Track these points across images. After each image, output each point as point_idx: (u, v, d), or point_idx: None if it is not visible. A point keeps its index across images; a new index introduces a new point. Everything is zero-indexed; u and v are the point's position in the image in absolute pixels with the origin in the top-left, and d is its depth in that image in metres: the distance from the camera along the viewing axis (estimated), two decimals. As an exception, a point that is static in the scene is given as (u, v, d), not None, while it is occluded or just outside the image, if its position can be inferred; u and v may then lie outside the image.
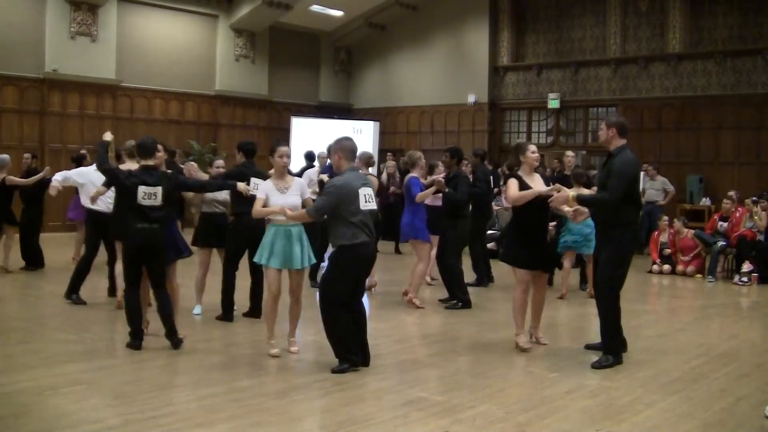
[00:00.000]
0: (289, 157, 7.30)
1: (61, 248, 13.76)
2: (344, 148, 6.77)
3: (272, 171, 7.54)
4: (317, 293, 7.48)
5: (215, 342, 7.76)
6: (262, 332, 8.06)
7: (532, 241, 7.49)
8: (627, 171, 6.99)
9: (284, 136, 20.89)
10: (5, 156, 11.89)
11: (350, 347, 6.60)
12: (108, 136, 7.75)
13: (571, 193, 7.16)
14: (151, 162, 7.30)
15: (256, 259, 7.19)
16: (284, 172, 7.32)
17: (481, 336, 8.30)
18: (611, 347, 7.07)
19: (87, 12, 18.48)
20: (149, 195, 7.14)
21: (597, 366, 6.92)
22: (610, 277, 7.05)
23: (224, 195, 8.89)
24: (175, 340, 7.22)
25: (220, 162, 9.72)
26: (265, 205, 7.08)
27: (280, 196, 7.08)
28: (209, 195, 8.77)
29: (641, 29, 19.75)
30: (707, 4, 18.78)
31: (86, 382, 6.15)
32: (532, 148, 7.73)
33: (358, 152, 9.71)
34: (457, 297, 9.92)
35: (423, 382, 6.33)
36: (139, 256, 7.21)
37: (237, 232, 8.67)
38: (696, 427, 5.34)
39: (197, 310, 8.98)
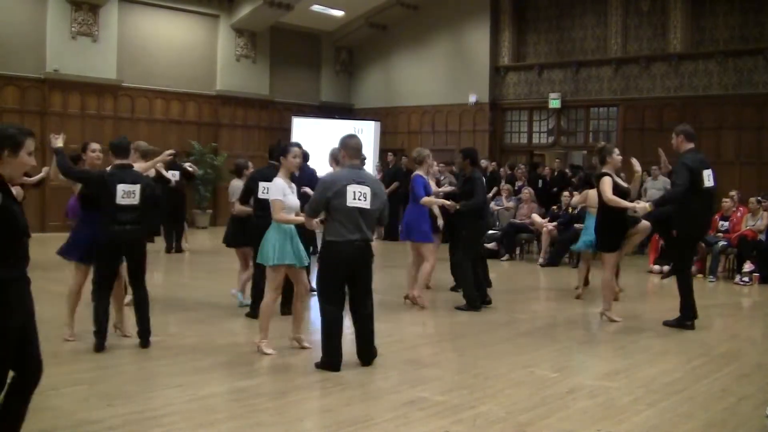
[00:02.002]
0: (302, 156, 7.39)
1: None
2: (347, 145, 6.83)
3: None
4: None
5: (216, 342, 7.75)
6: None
7: (621, 229, 8.79)
8: (689, 165, 8.44)
9: (285, 136, 20.88)
10: None
11: (331, 348, 6.59)
12: (60, 142, 7.28)
13: (647, 205, 8.44)
14: (126, 161, 7.32)
15: (263, 261, 7.09)
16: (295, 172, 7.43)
17: (482, 336, 8.29)
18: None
19: (88, 12, 18.49)
20: (128, 193, 7.09)
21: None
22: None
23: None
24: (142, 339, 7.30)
25: (249, 163, 9.97)
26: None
27: (293, 197, 7.15)
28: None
29: (642, 29, 19.76)
30: (708, 4, 18.78)
31: (87, 382, 6.15)
32: (617, 150, 8.97)
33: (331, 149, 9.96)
34: (466, 298, 9.72)
35: (423, 382, 6.32)
36: (115, 257, 7.22)
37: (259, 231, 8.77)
38: (697, 427, 5.33)
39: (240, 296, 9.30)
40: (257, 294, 8.68)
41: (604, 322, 8.95)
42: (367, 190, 6.66)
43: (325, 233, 6.70)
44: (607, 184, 8.56)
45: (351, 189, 6.59)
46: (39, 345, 4.13)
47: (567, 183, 16.62)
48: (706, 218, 9.22)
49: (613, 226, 8.78)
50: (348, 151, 6.82)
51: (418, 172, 9.83)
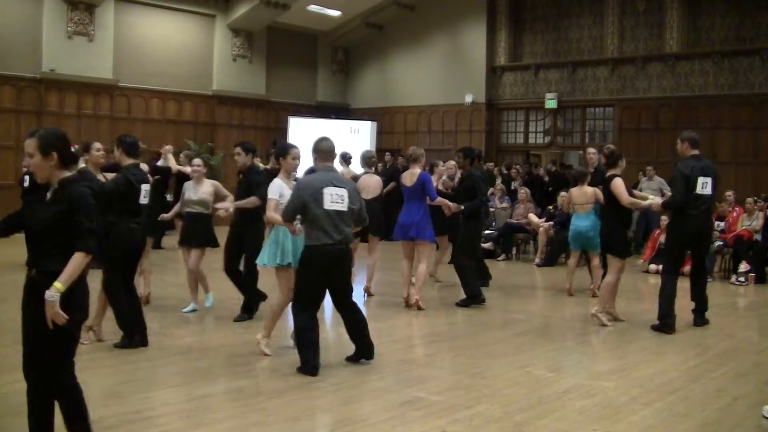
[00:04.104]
0: (300, 158, 7.29)
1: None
2: (319, 148, 6.74)
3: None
4: None
5: (212, 342, 7.75)
6: (258, 332, 8.06)
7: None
8: (684, 173, 8.51)
9: (282, 136, 20.88)
10: None
11: (309, 351, 6.50)
12: (81, 162, 7.18)
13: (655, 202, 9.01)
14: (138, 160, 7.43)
15: (268, 262, 7.06)
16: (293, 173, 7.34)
17: (478, 336, 8.30)
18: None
19: (84, 12, 18.47)
20: (147, 192, 7.24)
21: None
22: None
23: (200, 195, 8.94)
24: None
25: (198, 161, 9.63)
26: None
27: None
28: (185, 195, 9.02)
29: (639, 29, 19.78)
30: (705, 4, 18.81)
31: (82, 381, 6.11)
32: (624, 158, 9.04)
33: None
34: (469, 294, 9.83)
35: (420, 382, 6.32)
36: (137, 257, 7.33)
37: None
38: (693, 427, 5.34)
39: (190, 307, 9.03)
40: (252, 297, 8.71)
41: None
42: (344, 192, 6.59)
43: (305, 238, 6.58)
44: (620, 186, 8.66)
45: (328, 192, 6.52)
46: None
47: (565, 182, 16.62)
48: (699, 226, 8.70)
49: (623, 229, 9.01)
50: (320, 154, 6.73)
51: (421, 170, 9.86)
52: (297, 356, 7.07)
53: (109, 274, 7.13)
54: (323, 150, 6.75)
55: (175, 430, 5.03)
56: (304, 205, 6.47)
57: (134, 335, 7.16)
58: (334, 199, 6.53)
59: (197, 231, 8.96)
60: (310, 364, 6.44)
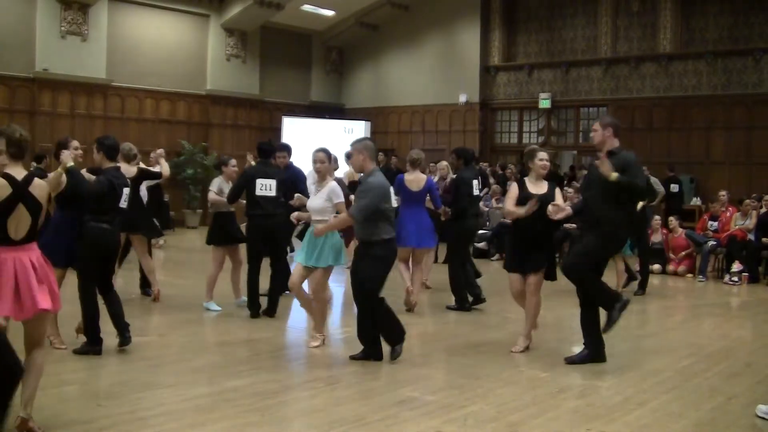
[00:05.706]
0: (322, 162, 7.55)
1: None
2: (369, 147, 7.07)
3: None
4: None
5: (207, 342, 7.74)
6: (254, 332, 8.06)
7: (525, 247, 7.52)
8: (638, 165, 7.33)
9: (276, 136, 20.85)
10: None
11: (394, 333, 6.94)
12: (71, 160, 6.52)
13: (614, 174, 7.08)
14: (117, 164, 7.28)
15: (309, 262, 7.30)
16: (321, 176, 7.55)
17: (472, 336, 8.31)
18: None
19: (77, 11, 18.42)
20: (127, 196, 7.10)
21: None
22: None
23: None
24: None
25: (233, 161, 9.73)
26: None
27: (312, 198, 7.52)
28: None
29: (632, 29, 19.82)
30: (698, 5, 18.86)
31: (77, 382, 6.13)
32: (542, 155, 7.65)
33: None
34: (456, 298, 9.70)
35: (414, 382, 6.32)
36: (112, 258, 7.12)
37: (251, 232, 8.95)
38: (687, 426, 5.36)
39: (212, 305, 9.15)
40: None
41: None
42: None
43: (379, 233, 6.79)
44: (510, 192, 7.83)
45: (391, 191, 7.07)
46: None
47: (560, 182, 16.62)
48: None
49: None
50: (369, 153, 7.04)
51: (426, 176, 9.81)
52: (290, 357, 7.10)
53: (83, 279, 6.85)
54: (372, 149, 7.15)
55: (169, 431, 5.02)
56: (378, 204, 6.82)
57: (97, 344, 6.85)
58: (393, 197, 7.13)
59: (234, 229, 9.29)
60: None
